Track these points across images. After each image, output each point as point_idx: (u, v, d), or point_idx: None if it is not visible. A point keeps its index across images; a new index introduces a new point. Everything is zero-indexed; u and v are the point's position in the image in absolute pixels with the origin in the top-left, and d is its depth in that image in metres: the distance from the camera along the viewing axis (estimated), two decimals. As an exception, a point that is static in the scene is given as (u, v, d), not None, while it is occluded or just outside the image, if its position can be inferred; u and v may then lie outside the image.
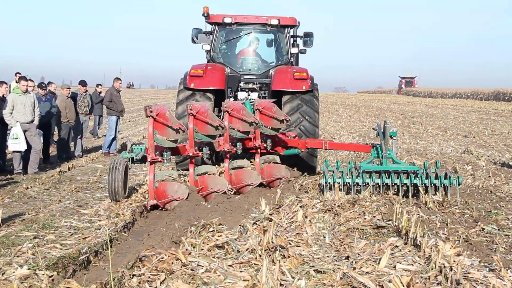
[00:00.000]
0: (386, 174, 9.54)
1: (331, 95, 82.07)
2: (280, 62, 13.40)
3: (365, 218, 7.71)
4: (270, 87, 12.97)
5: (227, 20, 13.17)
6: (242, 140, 10.79)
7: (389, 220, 7.57)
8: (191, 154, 9.67)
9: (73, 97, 15.61)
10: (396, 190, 9.46)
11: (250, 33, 13.47)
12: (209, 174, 9.86)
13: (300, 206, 8.16)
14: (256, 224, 7.18)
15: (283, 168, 11.01)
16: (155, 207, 9.01)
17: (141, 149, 9.64)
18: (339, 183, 9.34)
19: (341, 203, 8.50)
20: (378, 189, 9.49)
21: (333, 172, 9.54)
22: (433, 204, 8.65)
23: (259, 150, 10.94)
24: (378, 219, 7.64)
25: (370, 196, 9.13)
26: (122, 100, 16.61)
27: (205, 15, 13.14)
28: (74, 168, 13.26)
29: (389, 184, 9.43)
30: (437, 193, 9.35)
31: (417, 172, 9.54)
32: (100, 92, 18.11)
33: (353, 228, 7.24)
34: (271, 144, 11.07)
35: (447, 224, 7.49)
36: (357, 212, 8.00)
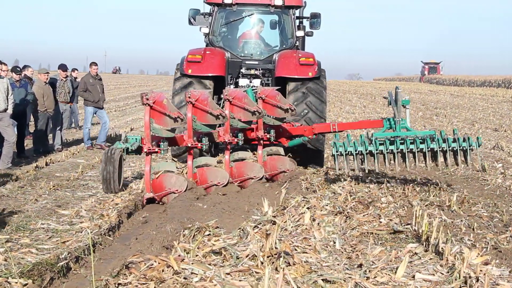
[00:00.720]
0: (401, 140, 10.02)
1: (344, 83, 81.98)
2: (284, 46, 13.60)
3: (380, 222, 7.72)
4: (273, 73, 13.18)
5: (227, 0, 13.35)
6: (243, 131, 11.13)
7: (408, 224, 7.58)
8: (189, 145, 9.98)
9: (52, 83, 15.59)
10: (412, 158, 10.00)
11: (252, 14, 13.71)
12: (208, 166, 10.21)
13: (308, 208, 8.17)
14: (258, 227, 7.19)
15: (288, 161, 11.32)
16: (151, 200, 9.41)
17: (136, 139, 10.06)
18: (350, 151, 9.91)
19: (353, 205, 8.52)
20: (392, 159, 10.01)
21: (344, 142, 10.07)
22: (457, 206, 8.67)
23: (261, 142, 11.24)
24: (395, 223, 7.65)
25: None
26: (108, 87, 16.63)
27: None
28: (53, 163, 13.29)
29: (404, 150, 9.92)
30: (457, 157, 9.99)
31: (434, 136, 10.10)
32: (75, 78, 18.10)
33: (367, 232, 7.25)
34: (274, 135, 11.36)
35: (473, 229, 7.50)
36: (371, 215, 8.01)
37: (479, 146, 10.00)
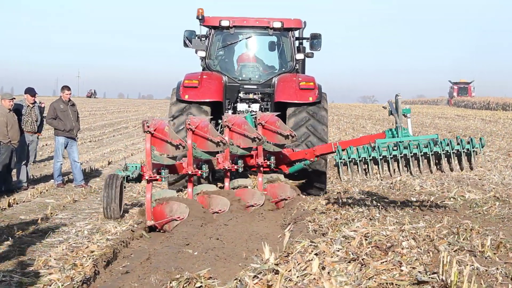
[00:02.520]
0: (403, 145, 11.33)
1: (357, 107, 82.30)
2: (284, 69, 15.00)
3: (401, 270, 7.69)
4: (273, 97, 14.50)
5: (225, 23, 14.68)
6: (243, 157, 12.52)
7: (434, 273, 7.55)
8: (190, 172, 11.37)
9: (17, 109, 15.62)
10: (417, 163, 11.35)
11: (250, 37, 15.12)
12: (209, 193, 11.58)
13: (316, 254, 8.14)
14: (258, 277, 7.17)
15: (289, 188, 12.68)
16: (152, 228, 10.68)
17: (136, 167, 11.73)
18: (354, 159, 11.19)
19: (369, 250, 8.49)
20: (396, 166, 11.36)
21: (347, 150, 11.37)
22: (492, 252, 8.65)
23: (261, 169, 12.61)
24: (419, 271, 7.62)
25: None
26: (81, 114, 16.68)
27: (200, 17, 14.61)
28: (17, 203, 13.28)
29: (407, 155, 11.23)
30: (462, 161, 11.35)
31: (437, 140, 11.37)
32: (44, 107, 18.11)
33: (386, 283, 7.22)
34: (275, 162, 12.73)
35: (511, 279, 7.48)
36: (391, 262, 7.98)
37: (482, 147, 11.30)
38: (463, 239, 9.57)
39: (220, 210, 11.32)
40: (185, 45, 14.99)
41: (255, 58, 15.41)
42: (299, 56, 14.91)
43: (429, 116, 56.20)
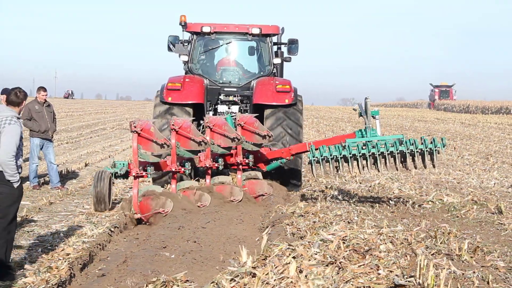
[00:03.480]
0: (371, 144, 12.76)
1: (336, 109, 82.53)
2: (262, 73, 16.23)
3: (379, 274, 7.74)
4: (251, 100, 15.55)
5: (206, 29, 15.83)
6: (223, 156, 13.58)
7: (411, 277, 7.60)
8: (173, 170, 12.41)
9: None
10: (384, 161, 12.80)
11: (230, 42, 16.33)
12: (192, 189, 12.54)
13: (293, 257, 8.17)
14: (235, 280, 7.19)
15: (265, 184, 13.79)
16: (139, 221, 11.70)
17: (123, 164, 12.84)
18: (326, 157, 12.73)
19: (347, 253, 8.53)
20: (365, 164, 12.83)
21: (319, 148, 12.84)
22: (469, 256, 8.72)
23: (240, 166, 13.72)
24: (396, 275, 7.67)
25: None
26: (58, 115, 16.62)
27: (182, 24, 15.74)
28: (-8, 205, 13.19)
29: (375, 153, 12.69)
30: (425, 159, 12.76)
31: (402, 140, 12.85)
32: None
33: (363, 286, 7.26)
34: (253, 160, 13.84)
35: (488, 282, 7.54)
36: (368, 266, 8.02)
37: (443, 147, 12.80)
38: (440, 243, 9.65)
39: (201, 204, 12.30)
40: (169, 49, 16.02)
41: (235, 62, 16.53)
42: (277, 60, 16.03)
43: (408, 119, 56.46)
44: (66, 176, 17.55)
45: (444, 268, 7.87)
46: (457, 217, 12.36)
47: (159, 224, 11.34)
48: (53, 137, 16.17)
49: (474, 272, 7.98)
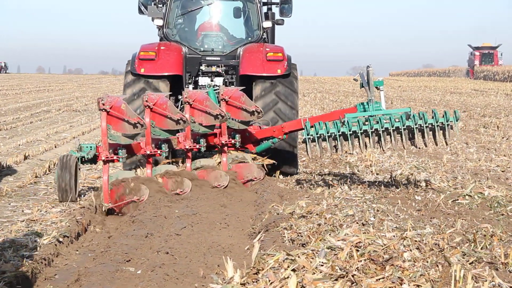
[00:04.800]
0: (374, 119, 13.62)
1: (346, 81, 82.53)
2: (250, 39, 17.04)
3: (403, 289, 7.77)
4: (238, 70, 16.44)
5: None
6: (205, 136, 14.48)
7: (444, 292, 7.64)
8: (148, 153, 13.29)
9: None
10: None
11: (212, 3, 17.11)
12: (171, 174, 13.42)
13: (293, 270, 8.20)
14: (219, 302, 7.21)
15: (255, 168, 14.71)
16: (111, 212, 12.60)
17: (91, 147, 13.47)
18: (322, 134, 13.53)
19: (362, 264, 8.56)
20: (367, 142, 13.69)
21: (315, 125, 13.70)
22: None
23: (226, 148, 14.58)
24: (425, 290, 7.71)
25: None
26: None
27: None
28: None
29: (378, 130, 13.54)
30: (436, 135, 13.66)
31: (410, 113, 13.62)
32: None
33: (384, 306, 7.29)
34: (240, 140, 14.80)
35: (542, 297, 7.58)
36: (389, 279, 8.06)
37: (457, 121, 13.59)
38: (481, 248, 9.67)
39: (181, 191, 13.27)
40: (140, 12, 16.89)
41: (219, 26, 17.46)
42: (267, 24, 16.85)
43: (438, 91, 56.69)
44: (2, 171, 17.52)
45: (486, 281, 7.90)
46: (502, 215, 12.39)
47: (120, 231, 11.34)
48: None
49: (524, 284, 8.02)
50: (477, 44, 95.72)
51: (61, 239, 10.71)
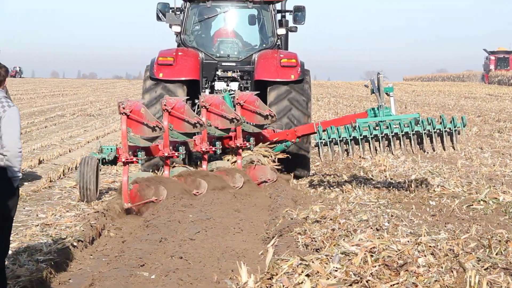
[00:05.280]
0: (384, 124, 14.31)
1: (360, 85, 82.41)
2: (264, 45, 17.72)
3: (417, 295, 7.74)
4: (253, 76, 17.08)
5: None
6: (221, 139, 15.16)
7: (459, 298, 7.60)
8: (166, 155, 13.88)
9: None
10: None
11: (228, 10, 17.77)
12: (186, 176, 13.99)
13: (307, 275, 8.18)
14: (233, 307, 7.19)
15: (269, 170, 15.25)
16: (129, 211, 13.09)
17: (111, 149, 14.28)
18: (334, 138, 14.27)
19: (376, 269, 8.53)
20: (378, 146, 14.38)
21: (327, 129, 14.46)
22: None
23: (240, 150, 15.25)
24: (440, 296, 7.67)
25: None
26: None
27: None
28: None
29: (389, 135, 14.21)
30: (444, 140, 14.32)
31: (418, 119, 14.34)
32: None
33: (398, 311, 7.26)
34: (254, 143, 15.40)
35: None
36: (403, 284, 8.03)
37: (464, 126, 14.34)
38: (496, 254, 9.62)
39: (197, 192, 13.71)
40: (158, 18, 17.41)
41: (234, 33, 18.12)
42: (281, 31, 17.46)
43: (452, 96, 56.55)
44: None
45: (501, 287, 7.87)
46: (518, 217, 12.36)
47: (134, 236, 11.34)
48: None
49: (539, 290, 7.98)
50: (492, 49, 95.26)
51: (75, 244, 10.73)
